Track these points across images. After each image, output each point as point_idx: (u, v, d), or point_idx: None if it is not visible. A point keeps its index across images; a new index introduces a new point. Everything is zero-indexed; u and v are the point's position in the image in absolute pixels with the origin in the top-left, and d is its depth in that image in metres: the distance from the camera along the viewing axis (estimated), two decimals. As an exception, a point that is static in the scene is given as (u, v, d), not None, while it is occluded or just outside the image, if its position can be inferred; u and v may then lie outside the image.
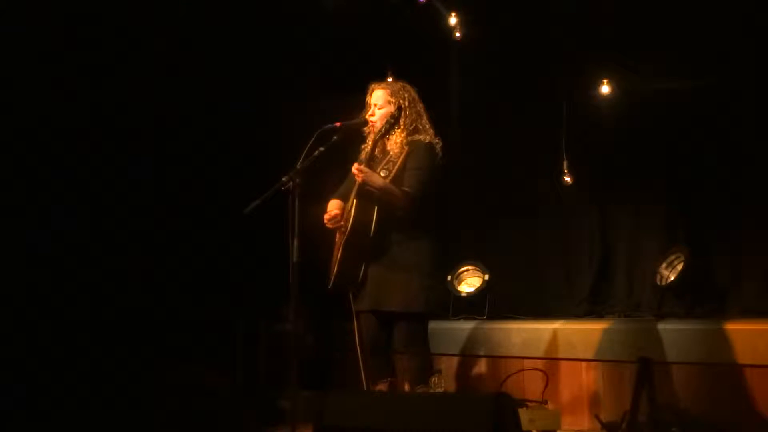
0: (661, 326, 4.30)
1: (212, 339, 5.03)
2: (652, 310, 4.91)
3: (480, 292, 5.38)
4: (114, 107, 4.86)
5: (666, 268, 4.93)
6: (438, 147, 4.03)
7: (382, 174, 3.93)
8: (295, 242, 3.70)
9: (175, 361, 4.53)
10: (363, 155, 4.04)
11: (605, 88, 5.12)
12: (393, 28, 5.59)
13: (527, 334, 4.82)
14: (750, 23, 4.60)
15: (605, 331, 4.51)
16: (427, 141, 3.99)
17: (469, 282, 5.51)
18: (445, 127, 4.35)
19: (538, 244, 5.72)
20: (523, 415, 3.96)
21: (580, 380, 4.54)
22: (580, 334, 4.62)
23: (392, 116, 3.98)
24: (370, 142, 4.07)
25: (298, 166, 3.81)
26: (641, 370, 4.08)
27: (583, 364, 4.54)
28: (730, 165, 4.81)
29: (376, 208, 3.89)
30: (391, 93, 4.09)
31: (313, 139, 3.89)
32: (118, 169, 4.87)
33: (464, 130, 5.66)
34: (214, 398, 3.58)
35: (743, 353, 3.95)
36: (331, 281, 4.03)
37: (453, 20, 5.41)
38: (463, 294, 5.44)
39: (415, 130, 4.02)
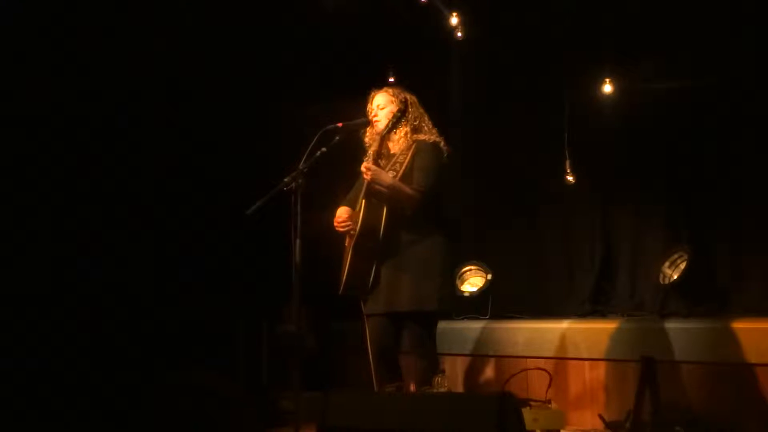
0: (665, 325, 4.30)
1: (214, 340, 5.02)
2: (655, 309, 4.90)
3: (483, 292, 5.38)
4: (115, 108, 4.86)
5: (669, 267, 4.92)
6: (443, 146, 4.03)
7: (390, 174, 3.93)
8: (298, 243, 3.70)
9: (177, 363, 4.53)
10: (371, 154, 4.01)
11: (607, 87, 5.12)
12: (394, 28, 5.59)
13: (530, 334, 4.81)
14: (751, 22, 4.59)
15: (608, 330, 4.50)
16: (432, 140, 4.01)
17: (472, 282, 5.51)
18: (447, 126, 4.36)
19: (540, 243, 5.72)
20: (527, 414, 3.96)
21: (584, 379, 4.54)
22: (583, 334, 4.61)
23: (399, 110, 3.97)
24: (374, 144, 4.05)
25: (301, 166, 3.81)
26: (644, 369, 4.08)
27: (587, 363, 4.54)
28: (733, 164, 4.81)
29: (385, 208, 3.89)
30: (393, 93, 4.12)
31: (316, 139, 3.89)
32: (117, 171, 4.87)
33: (466, 130, 5.66)
34: (217, 399, 3.56)
35: (747, 352, 3.95)
36: (342, 287, 4.03)
37: (454, 20, 5.40)
38: (466, 294, 5.44)
39: (419, 129, 4.02)
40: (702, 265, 4.82)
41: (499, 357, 4.93)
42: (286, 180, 3.79)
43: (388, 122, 3.98)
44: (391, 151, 4.10)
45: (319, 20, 5.53)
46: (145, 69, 4.96)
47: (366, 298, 4.03)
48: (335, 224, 4.07)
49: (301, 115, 5.03)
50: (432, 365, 3.99)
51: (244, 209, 3.86)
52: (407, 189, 3.89)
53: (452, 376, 4.97)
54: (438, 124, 4.17)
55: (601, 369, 4.47)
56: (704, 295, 4.82)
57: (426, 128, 4.06)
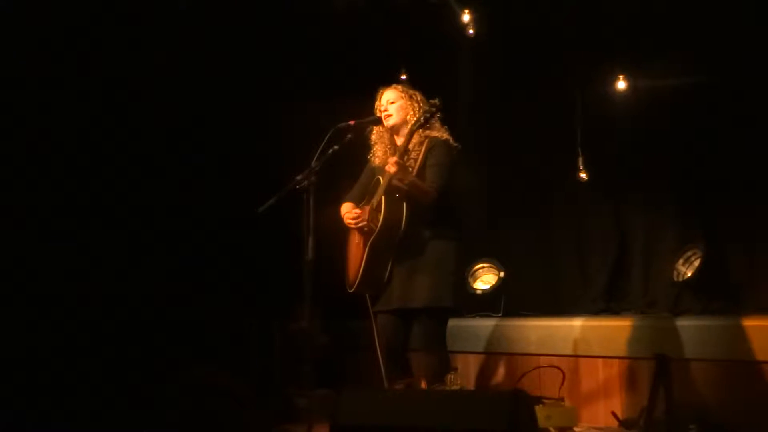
0: (678, 323, 4.28)
1: (227, 339, 5.04)
2: (668, 307, 4.88)
3: (495, 290, 5.38)
4: (121, 108, 4.87)
5: (683, 264, 4.90)
6: (453, 144, 4.03)
7: None
8: (310, 240, 3.71)
9: (190, 362, 4.54)
10: (399, 148, 3.94)
11: (621, 84, 5.10)
12: (405, 26, 5.58)
13: (543, 332, 4.80)
14: (765, 18, 4.56)
15: (622, 327, 4.49)
16: (444, 138, 4.00)
17: (485, 279, 5.50)
18: (458, 124, 4.35)
19: (553, 240, 5.70)
20: (540, 412, 3.95)
21: (597, 377, 4.53)
22: (596, 331, 4.60)
23: (433, 105, 3.89)
24: (403, 140, 3.98)
25: (313, 164, 3.82)
26: (658, 367, 4.06)
27: (600, 361, 4.53)
28: (747, 161, 4.77)
29: (405, 204, 3.89)
30: (402, 89, 4.14)
31: (327, 137, 3.90)
32: (128, 171, 4.88)
33: (478, 127, 5.64)
34: (230, 398, 3.58)
35: (761, 349, 3.93)
36: (355, 284, 4.03)
37: (466, 17, 5.39)
38: (479, 291, 5.43)
39: (430, 126, 4.02)
40: (716, 263, 4.79)
41: (511, 355, 4.93)
42: (298, 178, 3.80)
43: (420, 116, 3.90)
44: (398, 146, 4.10)
45: (328, 18, 5.53)
46: (148, 68, 4.97)
47: (376, 295, 4.03)
48: (348, 220, 4.07)
49: (312, 114, 5.04)
50: (443, 362, 3.99)
51: (256, 207, 3.87)
52: (426, 186, 3.89)
53: (465, 374, 4.97)
54: (449, 121, 4.17)
55: (615, 367, 4.46)
56: (718, 293, 4.79)
57: (437, 125, 4.06)
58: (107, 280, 4.72)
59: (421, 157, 3.96)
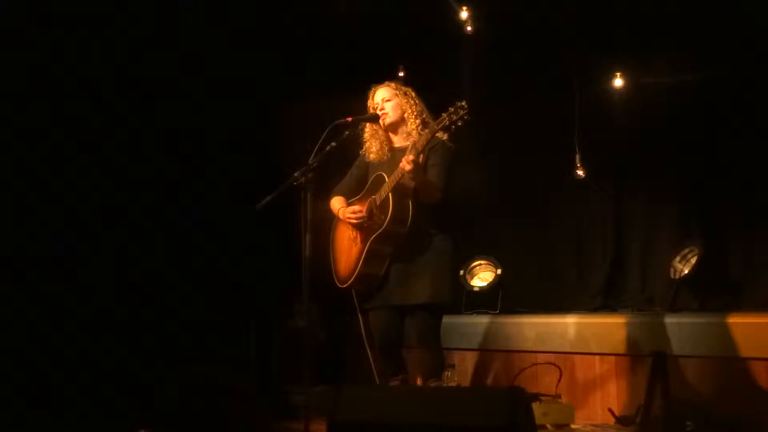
0: (675, 320, 4.29)
1: (226, 335, 5.04)
2: (666, 304, 4.89)
3: (492, 287, 5.38)
4: (121, 106, 4.87)
5: (680, 261, 4.91)
6: (451, 144, 4.03)
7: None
8: (308, 237, 3.71)
9: (189, 359, 4.54)
10: (414, 147, 3.83)
11: (618, 81, 5.10)
12: (403, 23, 5.58)
13: (540, 329, 4.81)
14: (763, 15, 4.57)
15: (619, 325, 4.50)
16: (444, 138, 3.99)
17: (482, 276, 5.51)
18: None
19: (551, 237, 5.71)
20: (537, 409, 3.96)
21: (594, 374, 4.54)
22: (593, 328, 4.61)
23: (461, 107, 3.70)
24: (421, 138, 3.85)
25: (311, 161, 3.82)
26: (655, 364, 4.07)
27: (597, 358, 4.54)
28: (745, 158, 4.78)
29: (410, 202, 3.89)
30: (395, 86, 4.13)
31: (325, 134, 3.90)
32: (127, 171, 4.88)
33: (476, 124, 5.63)
34: (228, 395, 3.58)
35: (758, 346, 3.93)
36: (350, 280, 4.03)
37: (464, 14, 5.39)
38: (476, 288, 5.44)
39: (426, 124, 4.02)
40: (713, 260, 4.80)
41: (508, 352, 4.94)
42: (296, 175, 3.80)
43: (446, 117, 3.72)
44: (396, 146, 4.10)
45: (327, 15, 5.53)
46: (146, 67, 4.96)
47: (365, 292, 4.03)
48: (347, 215, 4.06)
49: (310, 111, 5.04)
50: (439, 359, 4.00)
51: (254, 204, 3.87)
52: (434, 185, 3.89)
53: (462, 371, 4.98)
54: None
55: (612, 364, 4.47)
56: (715, 290, 4.80)
57: (431, 123, 4.06)
58: (106, 280, 4.72)
59: (423, 156, 3.96)
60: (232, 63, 5.31)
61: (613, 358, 4.47)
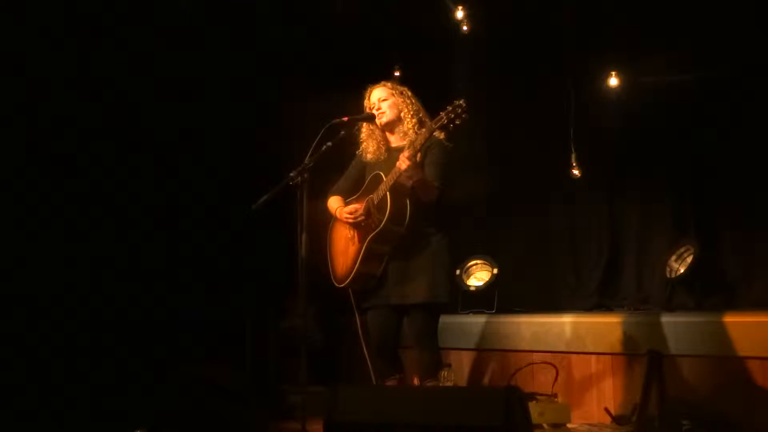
0: (671, 319, 4.29)
1: (222, 335, 5.04)
2: (661, 303, 4.90)
3: (489, 286, 5.38)
4: (116, 107, 4.86)
5: (676, 260, 4.92)
6: (447, 143, 4.03)
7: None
8: (304, 237, 3.70)
9: (185, 359, 4.54)
10: (413, 146, 3.82)
11: (613, 81, 5.10)
12: (400, 23, 5.58)
13: (537, 328, 4.81)
14: (761, 15, 4.57)
15: (615, 324, 4.50)
16: (441, 137, 3.99)
17: (478, 276, 5.51)
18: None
19: (547, 237, 5.72)
20: (533, 408, 3.96)
21: (590, 373, 4.54)
22: (589, 328, 4.61)
23: (458, 106, 3.68)
24: (419, 138, 3.84)
25: (306, 161, 3.82)
26: (651, 363, 4.08)
27: (593, 357, 4.54)
28: (740, 156, 4.79)
29: (408, 201, 3.88)
30: (391, 86, 4.13)
31: (321, 134, 3.89)
32: (122, 169, 4.88)
33: (471, 124, 5.63)
34: (225, 395, 3.58)
35: (754, 345, 3.94)
36: (348, 279, 4.03)
37: (460, 14, 5.39)
38: (472, 288, 5.44)
39: (423, 123, 4.01)
40: (709, 259, 4.81)
41: (505, 351, 4.94)
42: (291, 174, 3.80)
43: (444, 116, 3.70)
44: (393, 145, 4.10)
45: (325, 15, 5.53)
46: (146, 67, 4.96)
47: (362, 291, 4.03)
48: (344, 214, 4.06)
49: (305, 112, 5.04)
50: (436, 358, 4.00)
51: (250, 204, 3.87)
52: (431, 184, 3.89)
53: (458, 371, 4.98)
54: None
55: (608, 363, 4.47)
56: (711, 289, 4.81)
57: (428, 122, 4.06)
58: (103, 280, 4.72)
59: (420, 155, 3.96)
60: (230, 63, 5.31)
61: (609, 357, 4.47)
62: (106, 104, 4.81)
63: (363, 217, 3.98)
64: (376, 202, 3.93)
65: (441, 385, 3.90)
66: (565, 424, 4.19)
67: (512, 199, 5.67)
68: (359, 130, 4.16)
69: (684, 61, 4.85)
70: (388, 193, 3.86)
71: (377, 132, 4.13)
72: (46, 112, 4.60)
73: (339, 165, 4.27)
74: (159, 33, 5.00)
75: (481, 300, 5.38)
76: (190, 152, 5.16)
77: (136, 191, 4.91)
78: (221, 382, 3.57)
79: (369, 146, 4.13)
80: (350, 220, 4.03)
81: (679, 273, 4.87)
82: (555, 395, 4.39)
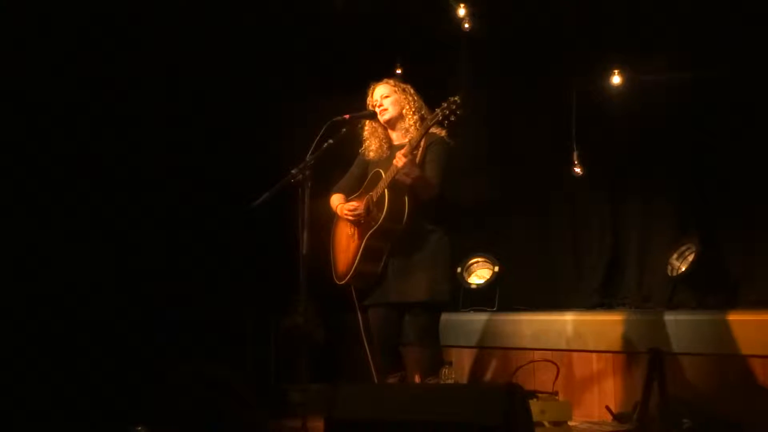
0: (673, 317, 4.29)
1: (223, 333, 5.04)
2: (663, 301, 4.90)
3: (490, 284, 5.38)
4: (118, 104, 4.86)
5: (677, 258, 4.92)
6: (449, 141, 4.03)
7: None
8: (305, 234, 3.70)
9: (186, 357, 4.54)
10: (410, 142, 3.83)
11: (616, 79, 5.10)
12: (401, 21, 5.57)
13: (538, 326, 4.81)
14: (761, 14, 4.56)
15: (616, 322, 4.50)
16: (442, 135, 3.99)
17: (479, 274, 5.51)
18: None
19: (548, 235, 5.71)
20: (534, 406, 3.96)
21: (591, 371, 4.54)
22: (590, 326, 4.61)
23: (453, 102, 3.68)
24: (415, 135, 3.87)
25: (308, 158, 3.82)
26: (652, 361, 4.07)
27: (594, 355, 4.54)
28: (743, 155, 4.79)
29: (406, 198, 3.88)
30: (394, 83, 4.13)
31: (323, 131, 3.89)
32: (121, 168, 4.88)
33: (473, 122, 5.64)
34: (225, 393, 3.58)
35: (755, 344, 3.94)
36: (347, 276, 4.03)
37: (462, 12, 5.39)
38: (473, 286, 5.44)
39: (423, 120, 4.01)
40: (710, 257, 4.81)
41: (506, 349, 4.94)
42: (293, 172, 3.80)
43: (439, 115, 3.71)
44: (395, 142, 4.10)
45: (325, 13, 5.52)
46: (146, 66, 4.95)
47: (363, 288, 4.03)
48: (344, 212, 4.06)
49: (306, 110, 5.03)
50: (437, 356, 4.00)
51: (250, 202, 3.87)
52: (431, 182, 3.89)
53: (459, 369, 4.98)
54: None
55: (609, 361, 4.47)
56: (712, 287, 4.81)
57: (426, 119, 4.05)
58: (103, 278, 4.72)
59: (420, 153, 3.95)
60: (231, 62, 5.30)
61: (610, 355, 4.47)
62: (107, 104, 4.81)
63: (363, 214, 3.98)
64: (375, 200, 3.93)
65: (442, 382, 3.90)
66: (566, 422, 4.19)
67: (514, 197, 5.67)
68: (362, 128, 4.16)
69: (687, 61, 4.84)
70: (386, 190, 3.86)
71: (380, 129, 4.13)
72: (45, 113, 4.60)
73: (341, 163, 4.27)
74: (159, 32, 4.99)
75: (482, 298, 5.38)
76: (191, 151, 5.16)
77: (135, 190, 4.90)
78: (222, 381, 3.57)
79: (372, 144, 4.13)
80: (350, 217, 4.04)
81: (680, 271, 4.87)
82: (556, 393, 4.39)
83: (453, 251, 4.08)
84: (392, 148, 4.08)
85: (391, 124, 4.10)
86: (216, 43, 5.20)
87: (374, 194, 3.94)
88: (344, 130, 3.98)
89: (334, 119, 3.96)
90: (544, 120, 5.48)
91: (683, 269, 4.85)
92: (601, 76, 5.15)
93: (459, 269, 5.45)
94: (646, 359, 4.12)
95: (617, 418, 4.25)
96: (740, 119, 4.76)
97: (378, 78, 4.18)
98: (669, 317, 4.29)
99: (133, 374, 4.52)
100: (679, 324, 4.23)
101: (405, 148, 3.78)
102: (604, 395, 4.45)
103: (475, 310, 5.30)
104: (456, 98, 3.69)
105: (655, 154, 5.18)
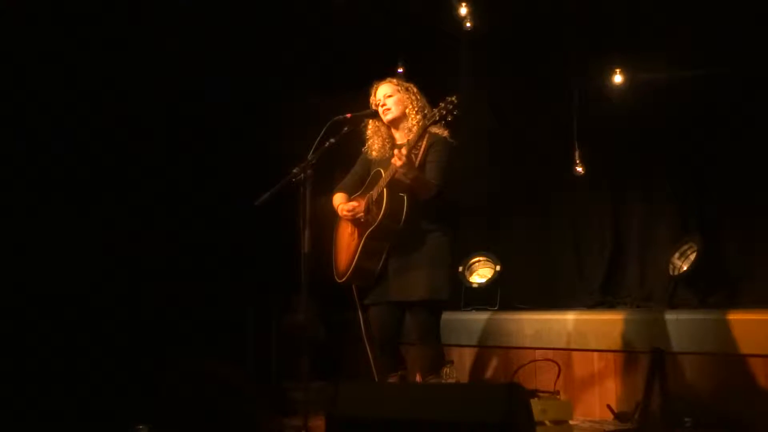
0: (674, 316, 4.29)
1: (224, 330, 5.04)
2: (664, 300, 4.90)
3: (491, 283, 5.38)
4: (119, 103, 4.86)
5: (678, 258, 4.92)
6: (452, 141, 4.03)
7: None
8: (306, 233, 3.71)
9: (187, 354, 4.54)
10: (408, 142, 3.87)
11: (617, 78, 5.10)
12: (403, 19, 5.58)
13: (539, 325, 4.81)
14: (761, 14, 4.56)
15: (617, 321, 4.50)
16: (444, 135, 3.99)
17: (481, 273, 5.51)
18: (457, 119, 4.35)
19: (550, 234, 5.72)
20: (535, 405, 3.95)
21: (592, 371, 4.54)
22: (592, 325, 4.61)
23: (450, 102, 3.73)
24: (412, 135, 3.90)
25: (309, 157, 3.82)
26: (653, 360, 4.08)
27: (595, 354, 4.54)
28: (744, 154, 4.79)
29: (405, 197, 3.88)
30: (397, 82, 4.12)
31: (324, 130, 3.89)
32: (126, 167, 4.88)
33: (475, 121, 5.65)
34: (226, 389, 3.58)
35: (756, 343, 3.94)
36: (347, 275, 4.03)
37: (463, 11, 5.39)
38: (475, 285, 5.44)
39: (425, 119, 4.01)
40: (712, 256, 4.81)
41: (507, 348, 4.94)
42: (294, 171, 3.80)
43: (437, 112, 3.76)
44: (398, 142, 4.10)
45: (327, 12, 5.52)
46: (146, 65, 4.96)
47: (364, 287, 4.03)
48: (343, 211, 4.07)
49: (308, 108, 5.04)
50: (438, 355, 4.00)
51: (252, 200, 3.87)
52: (430, 182, 3.89)
53: (460, 367, 4.98)
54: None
55: (610, 360, 4.47)
56: (714, 286, 4.81)
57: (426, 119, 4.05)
58: (104, 276, 4.72)
59: (421, 153, 3.95)
60: (234, 61, 5.31)
61: (611, 354, 4.47)
62: (107, 103, 4.81)
63: (362, 213, 3.99)
64: (374, 199, 3.94)
65: (443, 381, 3.90)
66: (567, 421, 4.19)
67: (515, 197, 5.68)
68: (365, 128, 4.16)
69: (688, 60, 4.84)
70: (385, 189, 3.86)
71: (383, 129, 4.13)
72: (43, 113, 4.60)
73: (342, 162, 4.27)
74: (160, 31, 4.99)
75: (483, 297, 5.38)
76: (192, 150, 5.16)
77: (135, 190, 4.91)
78: (223, 379, 3.57)
79: (374, 143, 4.13)
80: (348, 217, 4.04)
81: (682, 270, 4.87)
82: (557, 392, 4.38)
83: (453, 250, 4.08)
84: (395, 148, 4.08)
85: (394, 123, 4.10)
86: (216, 43, 5.20)
87: (374, 193, 3.95)
88: (346, 129, 3.98)
89: (336, 118, 3.96)
90: (545, 120, 5.48)
91: (685, 268, 4.85)
92: (602, 76, 5.15)
93: (460, 268, 5.45)
94: (647, 358, 4.13)
95: (618, 417, 4.25)
96: (740, 119, 4.77)
97: (380, 77, 4.18)
98: (670, 316, 4.29)
99: (133, 374, 4.52)
100: (680, 323, 4.23)
101: (403, 147, 3.79)
102: (606, 394, 4.45)
103: (477, 309, 5.30)
104: (453, 98, 3.72)
105: (656, 154, 5.19)
